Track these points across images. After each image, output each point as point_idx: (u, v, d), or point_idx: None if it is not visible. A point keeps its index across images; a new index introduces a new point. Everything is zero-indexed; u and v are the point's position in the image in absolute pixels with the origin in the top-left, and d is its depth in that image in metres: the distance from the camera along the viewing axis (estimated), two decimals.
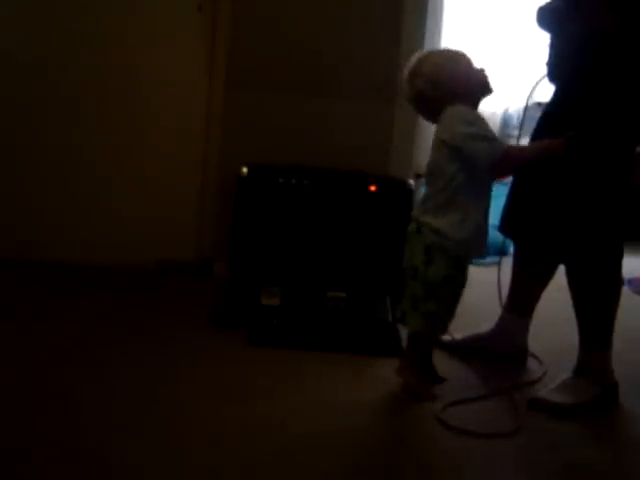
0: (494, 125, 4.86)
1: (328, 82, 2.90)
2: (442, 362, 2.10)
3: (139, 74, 2.96)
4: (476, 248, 1.85)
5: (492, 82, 1.87)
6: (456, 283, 1.83)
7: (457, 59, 1.87)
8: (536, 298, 2.13)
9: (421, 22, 3.01)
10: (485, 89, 1.88)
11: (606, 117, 1.79)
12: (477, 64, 1.88)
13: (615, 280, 1.87)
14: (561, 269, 2.00)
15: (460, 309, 2.72)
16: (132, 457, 1.39)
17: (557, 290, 2.08)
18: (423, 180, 1.92)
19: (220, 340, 2.13)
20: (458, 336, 2.21)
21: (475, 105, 1.86)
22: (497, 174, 1.84)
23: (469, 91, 1.84)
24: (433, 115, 1.87)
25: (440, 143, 1.80)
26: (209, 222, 3.01)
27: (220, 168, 2.96)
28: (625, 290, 1.90)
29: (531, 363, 2.15)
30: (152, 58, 2.95)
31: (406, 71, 1.88)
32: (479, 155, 1.75)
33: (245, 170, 2.58)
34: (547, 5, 1.90)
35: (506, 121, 4.84)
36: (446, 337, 2.22)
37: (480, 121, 1.80)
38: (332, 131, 2.89)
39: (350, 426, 1.61)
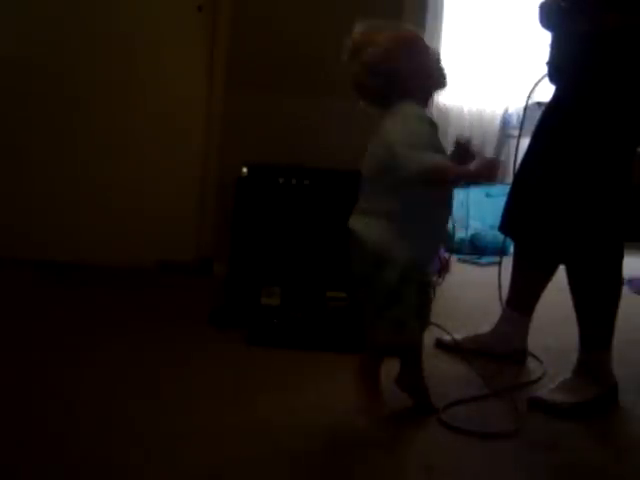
0: (494, 125, 4.87)
1: (328, 82, 2.89)
2: (442, 362, 2.10)
3: (139, 74, 2.96)
4: (423, 266, 1.65)
5: (447, 73, 1.63)
6: (415, 282, 1.60)
7: (409, 43, 1.61)
8: (536, 298, 2.13)
9: (421, 22, 3.01)
10: (439, 83, 1.65)
11: (608, 117, 1.78)
12: (432, 49, 1.64)
13: (615, 280, 1.87)
14: (561, 269, 2.00)
15: (460, 309, 2.74)
16: (132, 457, 1.39)
17: (557, 290, 2.08)
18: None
19: (220, 340, 2.13)
20: (458, 336, 2.21)
21: (426, 100, 1.65)
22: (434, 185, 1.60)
23: (420, 85, 1.61)
24: (374, 104, 1.63)
25: (387, 144, 1.56)
26: (209, 222, 3.02)
27: (220, 168, 2.97)
28: (625, 290, 1.89)
29: (531, 363, 2.15)
30: (152, 58, 2.96)
31: (346, 44, 1.62)
32: (410, 162, 1.51)
33: (245, 170, 2.58)
34: (549, 3, 1.89)
35: (506, 121, 4.84)
36: (446, 337, 2.23)
37: (426, 131, 1.57)
38: (332, 131, 2.90)
39: (350, 426, 1.61)
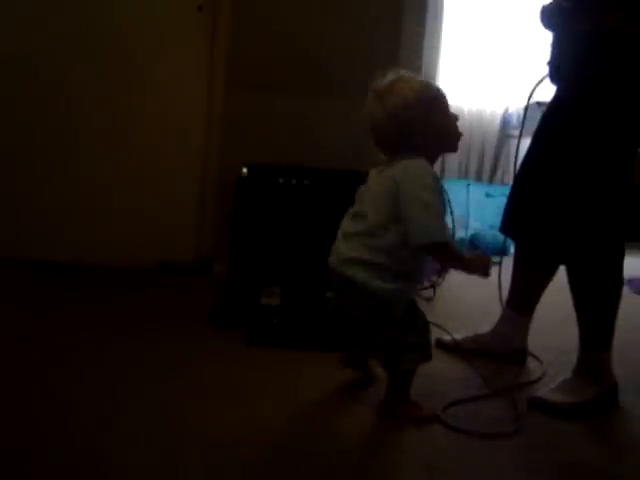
0: (494, 125, 4.88)
1: (328, 82, 2.90)
2: (442, 362, 2.10)
3: (139, 74, 2.96)
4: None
5: (460, 136, 1.69)
6: (415, 306, 1.70)
7: (433, 101, 1.64)
8: (537, 298, 2.13)
9: (421, 22, 3.02)
10: (451, 146, 1.70)
11: (609, 117, 1.78)
12: (452, 110, 1.68)
13: (616, 280, 1.87)
14: (561, 269, 2.00)
15: (460, 309, 2.74)
16: (132, 457, 1.39)
17: (557, 290, 2.08)
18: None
19: (220, 340, 2.13)
20: (458, 336, 2.22)
21: (433, 160, 1.68)
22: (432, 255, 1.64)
23: (433, 143, 1.65)
24: (384, 150, 1.68)
25: (389, 192, 1.59)
26: (209, 222, 3.02)
27: (220, 168, 2.97)
28: (625, 290, 1.89)
29: (531, 363, 2.15)
30: (152, 58, 2.96)
31: (373, 88, 1.65)
32: (420, 229, 1.54)
33: (245, 170, 2.57)
34: (551, 4, 1.89)
35: (506, 121, 4.84)
36: (446, 337, 2.23)
37: (438, 192, 1.61)
38: (332, 131, 2.90)
39: (350, 426, 1.61)
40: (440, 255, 1.65)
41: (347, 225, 1.70)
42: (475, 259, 1.62)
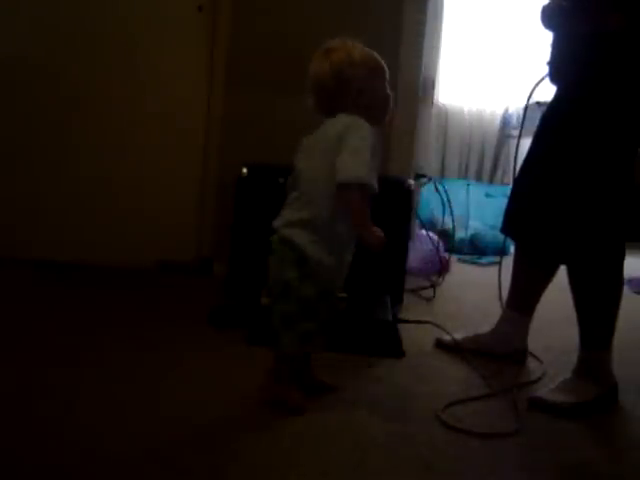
0: (494, 125, 4.88)
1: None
2: (442, 362, 2.11)
3: (139, 74, 2.96)
4: (338, 280, 1.71)
5: (390, 114, 1.71)
6: (330, 299, 1.69)
7: (376, 66, 1.68)
8: (537, 298, 2.13)
9: (421, 20, 3.02)
10: (380, 118, 1.70)
11: (609, 117, 1.78)
12: (389, 88, 1.70)
13: (616, 280, 1.87)
14: (562, 269, 2.00)
15: (460, 309, 2.74)
16: (132, 457, 1.39)
17: (557, 290, 2.08)
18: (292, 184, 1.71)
19: (220, 340, 2.13)
20: (458, 336, 2.22)
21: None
22: (340, 202, 1.59)
23: (365, 109, 1.65)
24: (321, 106, 1.70)
25: (328, 147, 1.61)
26: (209, 222, 3.02)
27: (220, 168, 2.97)
28: (625, 290, 1.89)
29: (531, 363, 2.15)
30: (152, 58, 2.96)
31: (321, 48, 1.71)
32: (343, 166, 1.55)
33: (245, 170, 2.58)
34: (551, 4, 1.89)
35: (506, 121, 4.85)
36: (446, 337, 2.23)
37: (372, 147, 1.59)
38: None
39: (350, 426, 1.61)
40: (353, 199, 1.57)
41: (290, 189, 1.71)
42: (376, 231, 1.60)
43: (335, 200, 1.59)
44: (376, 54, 1.71)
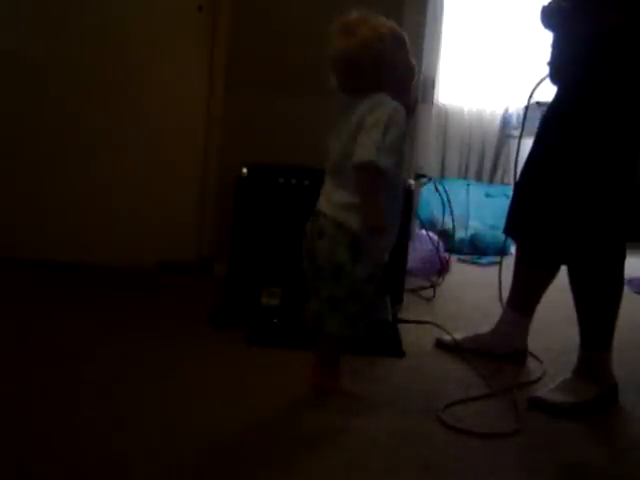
0: (494, 125, 4.88)
1: (328, 82, 2.89)
2: (442, 362, 2.11)
3: (139, 74, 2.96)
4: (385, 260, 1.71)
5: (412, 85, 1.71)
6: (376, 281, 1.67)
7: (401, 38, 1.64)
8: (537, 299, 2.13)
9: (421, 22, 3.02)
10: (408, 91, 1.69)
11: (610, 117, 1.78)
12: (412, 57, 1.68)
13: (617, 281, 1.87)
14: (562, 270, 2.00)
15: (460, 309, 2.74)
16: (132, 457, 1.39)
17: (558, 290, 2.08)
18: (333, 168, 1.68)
19: (220, 340, 2.13)
20: (458, 336, 2.22)
21: (397, 97, 1.64)
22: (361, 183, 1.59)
23: (395, 83, 1.63)
24: (348, 86, 1.64)
25: (355, 128, 1.58)
26: (209, 222, 3.02)
27: (220, 168, 2.97)
28: (625, 290, 1.89)
29: (531, 363, 2.15)
30: (152, 58, 2.96)
31: (339, 23, 1.64)
32: (359, 148, 1.55)
33: (245, 170, 2.58)
34: (552, 4, 1.89)
35: (506, 121, 4.84)
36: (446, 337, 2.23)
37: (398, 130, 1.59)
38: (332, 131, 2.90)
39: (350, 426, 1.61)
40: (360, 180, 1.58)
41: (328, 170, 1.70)
42: (380, 218, 1.59)
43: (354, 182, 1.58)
44: (395, 24, 1.67)
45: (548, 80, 1.98)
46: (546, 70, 1.97)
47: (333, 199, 1.65)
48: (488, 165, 4.93)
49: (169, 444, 1.46)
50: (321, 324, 1.68)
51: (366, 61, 1.59)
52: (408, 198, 2.64)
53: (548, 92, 2.02)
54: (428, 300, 2.83)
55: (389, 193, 1.63)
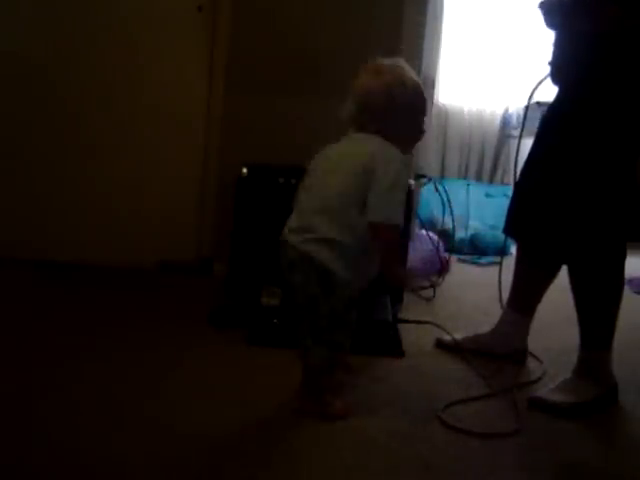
0: (494, 125, 4.87)
1: (328, 82, 2.89)
2: (442, 362, 2.11)
3: (139, 74, 2.96)
4: (356, 291, 1.67)
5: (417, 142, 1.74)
6: (355, 305, 1.65)
7: (422, 97, 1.68)
8: (538, 299, 2.13)
9: (421, 22, 3.02)
10: (412, 146, 1.73)
11: (611, 117, 1.78)
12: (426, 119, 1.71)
13: (617, 281, 1.87)
14: (562, 270, 2.00)
15: (460, 309, 2.74)
16: (132, 457, 1.39)
17: (558, 290, 2.08)
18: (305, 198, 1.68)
19: (220, 340, 2.13)
20: (458, 336, 2.22)
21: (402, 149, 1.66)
22: (373, 238, 1.58)
23: (404, 134, 1.66)
24: (360, 122, 1.66)
25: (361, 171, 1.58)
26: (209, 222, 3.02)
27: (220, 168, 2.97)
28: (625, 290, 1.89)
29: (531, 363, 2.15)
30: (152, 58, 2.96)
31: (371, 65, 1.68)
32: (380, 204, 1.55)
33: (245, 170, 2.58)
34: (553, 2, 1.88)
35: (506, 121, 4.84)
36: (446, 337, 2.23)
37: (405, 186, 1.62)
38: (332, 131, 2.89)
39: (350, 426, 1.61)
40: (387, 239, 1.58)
41: (306, 200, 1.66)
42: (402, 272, 1.67)
43: (368, 233, 1.58)
44: (422, 84, 1.71)
45: (549, 80, 1.98)
46: (547, 70, 1.96)
47: (312, 229, 1.60)
48: (488, 165, 4.93)
49: (169, 444, 1.46)
50: (305, 354, 1.65)
51: (382, 100, 1.62)
52: (408, 198, 2.64)
53: (548, 92, 2.02)
54: (428, 300, 2.83)
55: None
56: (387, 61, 1.69)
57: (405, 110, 1.64)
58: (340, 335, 1.63)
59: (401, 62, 1.70)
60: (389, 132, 1.63)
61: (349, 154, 1.65)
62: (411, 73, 1.68)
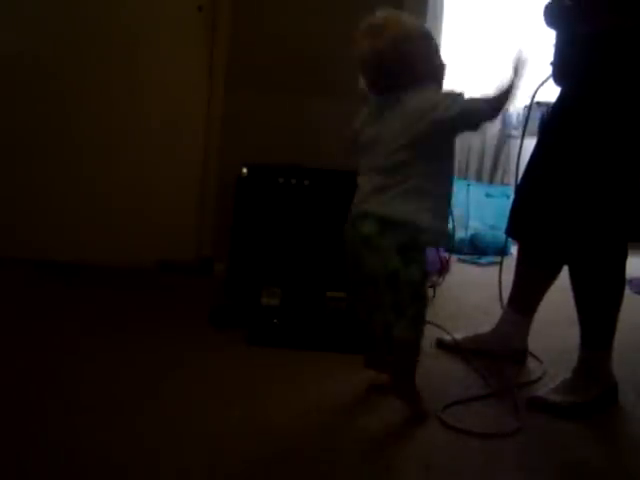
0: (494, 125, 4.87)
1: (328, 82, 2.90)
2: (442, 362, 2.10)
3: (139, 74, 2.96)
4: (445, 236, 1.71)
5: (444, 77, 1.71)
6: (427, 277, 1.67)
7: (428, 37, 1.66)
8: (538, 299, 2.13)
9: (421, 22, 3.01)
10: (441, 82, 1.70)
11: (613, 118, 1.78)
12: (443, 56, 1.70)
13: (618, 281, 1.87)
14: (563, 270, 2.00)
15: (460, 309, 2.74)
16: (131, 457, 1.39)
17: (558, 291, 2.08)
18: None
19: (220, 340, 2.13)
20: (458, 336, 2.22)
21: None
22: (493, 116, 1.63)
23: (429, 78, 1.64)
24: (379, 85, 1.64)
25: (408, 124, 1.57)
26: (209, 222, 3.02)
27: (220, 168, 2.97)
28: (625, 290, 1.89)
29: (531, 363, 2.15)
30: (152, 58, 2.96)
31: (365, 25, 1.62)
32: (450, 100, 1.58)
33: (245, 170, 2.58)
34: (555, 3, 1.88)
35: (506, 121, 4.84)
36: (446, 337, 2.23)
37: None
38: (332, 131, 2.89)
39: (350, 426, 1.61)
40: (507, 95, 1.59)
41: (378, 180, 1.63)
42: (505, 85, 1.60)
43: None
44: (420, 22, 1.70)
45: (551, 81, 1.97)
46: (549, 70, 1.96)
47: (385, 197, 1.59)
48: (488, 165, 4.93)
49: (169, 444, 1.46)
50: (390, 332, 1.62)
51: (396, 61, 1.59)
52: None
53: (548, 92, 2.02)
54: None
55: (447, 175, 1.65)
56: (378, 14, 1.63)
57: (420, 58, 1.62)
58: (418, 308, 1.61)
59: (391, 11, 1.65)
60: (415, 81, 1.61)
61: (389, 116, 1.62)
62: (408, 19, 1.65)
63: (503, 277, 2.29)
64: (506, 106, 1.60)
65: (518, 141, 2.29)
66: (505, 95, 1.60)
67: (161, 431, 1.51)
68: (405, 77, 1.61)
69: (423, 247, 1.62)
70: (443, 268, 3.20)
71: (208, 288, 2.72)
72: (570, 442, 1.63)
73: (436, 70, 1.67)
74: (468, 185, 4.42)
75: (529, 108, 2.21)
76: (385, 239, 1.57)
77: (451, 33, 4.57)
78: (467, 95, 1.61)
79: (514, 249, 2.43)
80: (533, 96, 2.11)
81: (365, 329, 1.74)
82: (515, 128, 4.66)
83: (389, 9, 1.64)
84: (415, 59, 1.60)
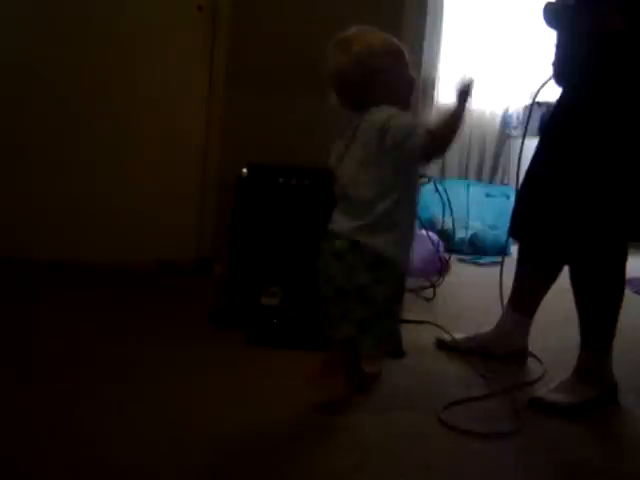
0: (494, 125, 4.87)
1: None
2: (442, 362, 2.11)
3: (139, 74, 2.96)
4: (408, 266, 1.73)
5: (412, 100, 1.71)
6: (402, 296, 1.70)
7: (397, 52, 1.65)
8: (539, 299, 2.13)
9: (421, 22, 3.02)
10: (407, 100, 1.68)
11: (614, 118, 1.78)
12: (411, 71, 1.69)
13: (618, 281, 1.87)
14: (563, 271, 2.00)
15: (460, 309, 2.74)
16: (132, 457, 1.39)
17: (557, 291, 2.08)
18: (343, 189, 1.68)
19: (220, 340, 2.13)
20: (458, 336, 2.22)
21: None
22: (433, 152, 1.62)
23: (394, 95, 1.63)
24: (347, 100, 1.65)
25: (376, 137, 1.58)
26: (209, 222, 3.02)
27: (220, 168, 2.97)
28: (625, 290, 1.89)
29: (531, 363, 2.15)
30: (152, 58, 2.96)
31: (334, 40, 1.65)
32: (417, 134, 1.55)
33: (245, 170, 2.57)
34: (556, 3, 1.88)
35: (506, 121, 4.84)
36: (446, 337, 2.23)
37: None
38: (332, 131, 2.89)
39: (350, 425, 1.61)
40: (456, 122, 1.57)
41: (347, 207, 1.66)
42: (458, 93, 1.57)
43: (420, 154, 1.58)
44: (394, 38, 1.67)
45: (552, 81, 1.97)
46: (550, 71, 1.96)
47: (350, 220, 1.63)
48: (488, 165, 4.93)
49: (169, 444, 1.46)
50: (354, 347, 1.66)
51: (359, 77, 1.60)
52: None
53: (547, 92, 2.02)
54: (428, 300, 2.83)
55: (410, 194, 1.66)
56: (349, 31, 1.65)
57: (384, 72, 1.61)
58: (386, 326, 1.64)
59: (365, 27, 1.66)
60: (381, 100, 1.61)
61: (352, 139, 1.65)
62: (377, 33, 1.65)
63: (503, 277, 2.29)
64: (452, 136, 1.58)
65: (519, 141, 2.29)
66: (451, 123, 1.58)
67: (161, 431, 1.51)
68: (372, 92, 1.61)
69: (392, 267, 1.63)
70: (443, 268, 3.20)
71: (208, 288, 2.72)
72: (570, 442, 1.63)
73: (406, 85, 1.67)
74: (468, 185, 4.42)
75: (530, 108, 2.21)
76: (355, 256, 1.60)
77: (451, 33, 4.58)
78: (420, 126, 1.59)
79: (514, 249, 2.43)
80: (535, 97, 2.11)
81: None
82: (515, 128, 4.66)
83: (364, 25, 1.66)
84: (379, 76, 1.60)
